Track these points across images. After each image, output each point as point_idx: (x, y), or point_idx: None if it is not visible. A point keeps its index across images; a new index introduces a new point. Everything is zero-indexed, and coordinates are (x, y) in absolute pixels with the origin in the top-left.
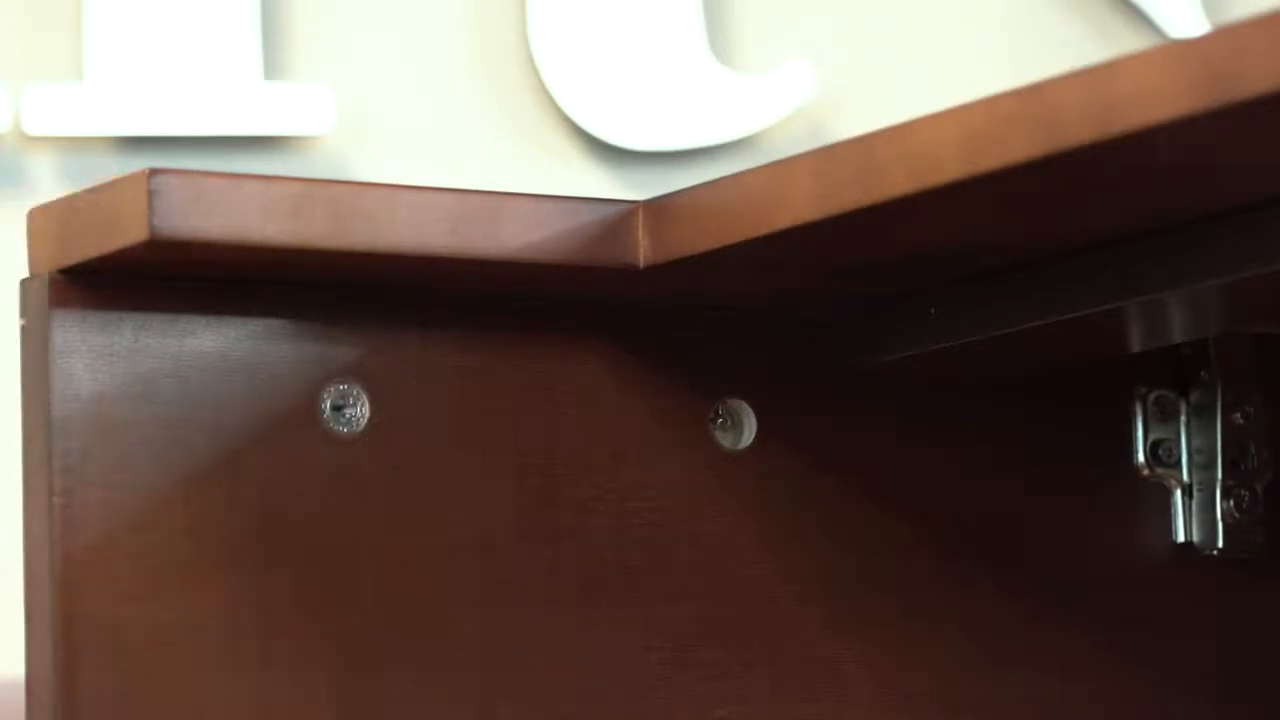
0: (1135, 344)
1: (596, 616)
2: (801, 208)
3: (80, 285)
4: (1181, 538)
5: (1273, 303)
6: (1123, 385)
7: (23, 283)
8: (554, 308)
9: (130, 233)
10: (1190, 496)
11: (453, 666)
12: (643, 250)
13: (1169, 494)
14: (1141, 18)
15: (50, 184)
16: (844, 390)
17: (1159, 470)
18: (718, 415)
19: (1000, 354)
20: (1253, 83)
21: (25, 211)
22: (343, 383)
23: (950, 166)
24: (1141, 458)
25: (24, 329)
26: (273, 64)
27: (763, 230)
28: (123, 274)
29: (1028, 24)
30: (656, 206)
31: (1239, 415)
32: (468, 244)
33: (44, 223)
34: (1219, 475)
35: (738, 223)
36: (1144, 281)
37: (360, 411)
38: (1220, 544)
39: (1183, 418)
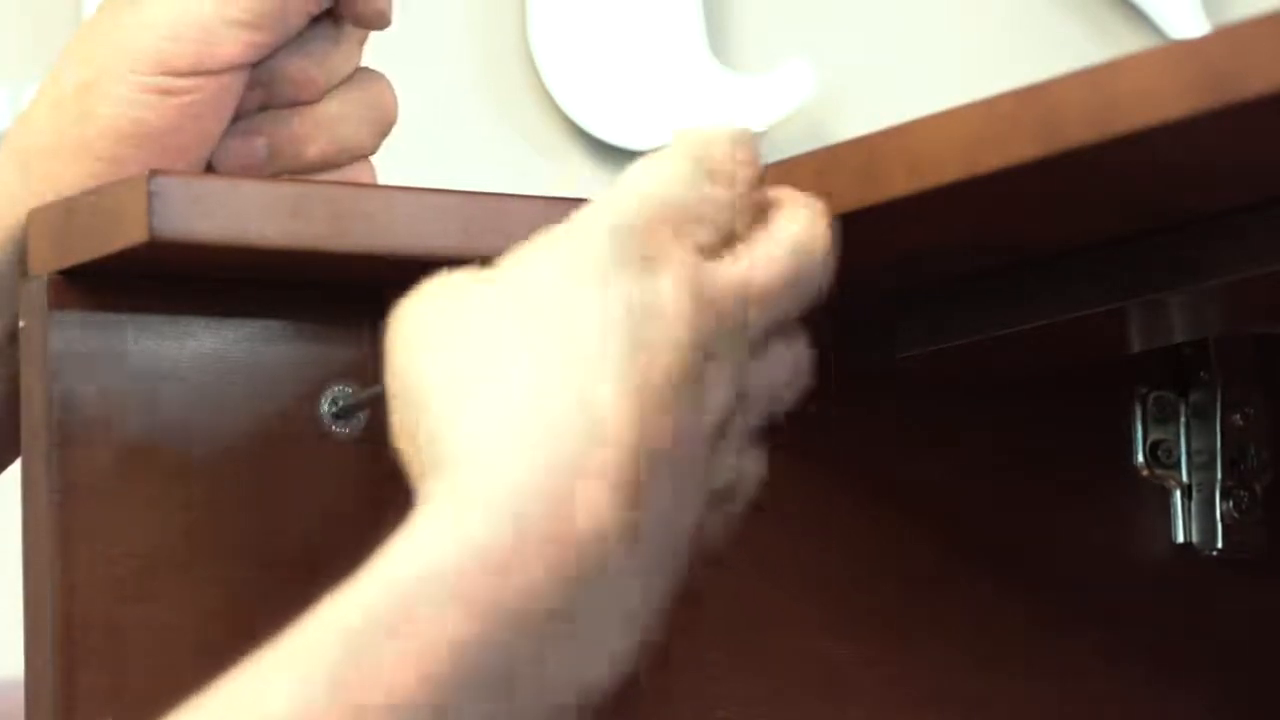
0: (1135, 344)
1: None
2: None
3: (80, 287)
4: (1181, 538)
5: (1273, 303)
6: (1123, 385)
7: (22, 284)
8: None
9: (130, 234)
10: (1190, 497)
11: None
12: None
13: (1169, 494)
14: (1141, 18)
15: None
16: (844, 390)
17: (1159, 471)
18: None
19: (1000, 354)
20: (1253, 83)
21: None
22: (343, 383)
23: (950, 166)
24: (1141, 458)
25: (23, 330)
26: None
27: None
28: (122, 275)
29: (1028, 24)
30: None
31: (1239, 416)
32: (468, 245)
33: (43, 223)
34: (1219, 475)
35: None
36: (1144, 281)
37: (360, 413)
38: (1220, 544)
39: (1182, 418)
